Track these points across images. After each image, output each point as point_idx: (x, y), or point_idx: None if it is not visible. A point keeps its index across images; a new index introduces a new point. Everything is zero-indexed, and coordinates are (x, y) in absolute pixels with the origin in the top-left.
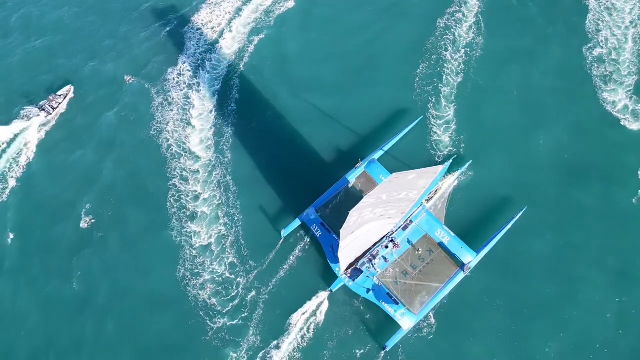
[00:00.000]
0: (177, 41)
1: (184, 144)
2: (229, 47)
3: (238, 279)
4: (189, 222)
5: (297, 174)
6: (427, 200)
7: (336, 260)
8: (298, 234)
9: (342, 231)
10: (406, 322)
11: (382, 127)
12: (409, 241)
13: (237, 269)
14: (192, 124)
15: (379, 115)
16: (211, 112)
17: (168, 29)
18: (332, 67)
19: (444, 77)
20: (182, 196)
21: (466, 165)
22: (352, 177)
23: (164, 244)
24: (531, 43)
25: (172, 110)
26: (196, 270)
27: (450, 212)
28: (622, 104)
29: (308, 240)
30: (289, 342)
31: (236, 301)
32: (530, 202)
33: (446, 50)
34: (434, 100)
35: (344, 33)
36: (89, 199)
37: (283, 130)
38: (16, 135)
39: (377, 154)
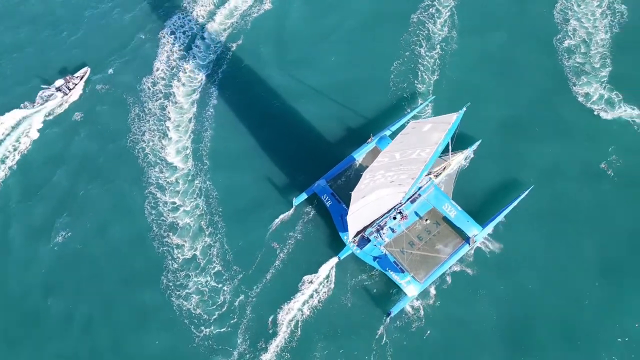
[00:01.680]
0: (150, 50)
1: (161, 155)
2: (203, 57)
3: (224, 287)
4: (172, 235)
5: (280, 176)
6: (436, 176)
7: (345, 229)
8: (283, 234)
9: (353, 193)
10: (411, 289)
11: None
12: (416, 214)
13: (224, 276)
14: (169, 135)
15: (361, 112)
16: (190, 121)
17: (142, 36)
18: (307, 71)
19: (419, 73)
20: (163, 210)
21: (475, 144)
22: (363, 152)
23: (146, 258)
24: (504, 36)
25: (148, 122)
26: (180, 282)
27: (458, 188)
28: (597, 95)
29: (292, 242)
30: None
31: (224, 308)
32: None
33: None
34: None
35: (318, 34)
36: (64, 214)
37: (262, 134)
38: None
39: (388, 132)
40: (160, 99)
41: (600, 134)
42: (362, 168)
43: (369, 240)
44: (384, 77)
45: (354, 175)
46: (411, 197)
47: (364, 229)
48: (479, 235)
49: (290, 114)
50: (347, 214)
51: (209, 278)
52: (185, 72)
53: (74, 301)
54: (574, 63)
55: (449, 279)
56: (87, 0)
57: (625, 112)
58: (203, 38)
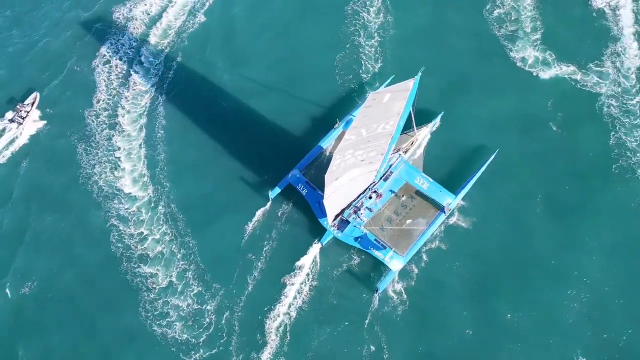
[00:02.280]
0: (88, 81)
1: (117, 187)
2: (144, 81)
3: (208, 307)
4: (143, 266)
5: (246, 179)
6: (405, 152)
7: (324, 215)
8: (259, 239)
9: (326, 176)
10: (395, 264)
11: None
12: (391, 191)
13: (205, 296)
14: (121, 165)
15: (313, 103)
16: (141, 146)
17: (76, 68)
18: (251, 71)
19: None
20: (130, 242)
21: (438, 117)
22: (332, 138)
23: (121, 292)
24: (437, 14)
25: (97, 155)
26: (159, 311)
27: (427, 161)
28: (533, 58)
29: (269, 245)
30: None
31: (210, 329)
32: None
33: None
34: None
35: (255, 35)
36: (20, 254)
37: (220, 141)
38: None
39: (353, 116)
40: (105, 129)
41: (541, 92)
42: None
43: (348, 222)
44: (328, 68)
45: (327, 162)
46: (384, 175)
47: (342, 211)
48: (453, 202)
49: (244, 115)
50: (323, 199)
51: (190, 301)
52: (128, 100)
53: (46, 346)
54: (506, 31)
55: (425, 256)
56: (11, 30)
57: (561, 70)
58: (141, 62)
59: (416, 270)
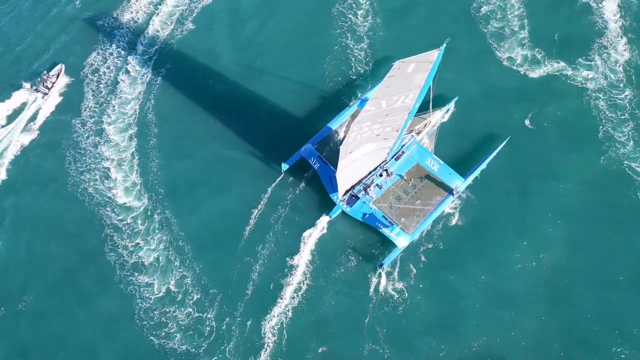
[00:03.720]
0: (76, 91)
1: (110, 198)
2: (131, 90)
3: (208, 315)
4: (140, 275)
5: (241, 181)
6: (418, 134)
7: (334, 190)
8: (256, 243)
9: (342, 148)
10: (401, 241)
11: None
12: (401, 170)
13: (205, 304)
14: (111, 176)
15: (305, 109)
16: (133, 156)
17: (65, 79)
18: (240, 79)
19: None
20: (123, 252)
21: (453, 101)
22: (347, 114)
23: (117, 306)
24: (424, 15)
25: (89, 166)
26: (156, 322)
27: (439, 144)
28: (521, 57)
29: (267, 248)
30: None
31: (211, 337)
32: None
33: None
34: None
35: (245, 41)
36: (17, 278)
37: (213, 148)
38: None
39: (368, 95)
40: (95, 139)
41: (531, 89)
42: (345, 132)
43: (357, 198)
44: (318, 72)
45: (338, 140)
46: (395, 154)
47: (352, 187)
48: (462, 185)
49: (236, 123)
50: (334, 175)
51: (190, 310)
52: (115, 109)
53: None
54: (492, 29)
55: (423, 257)
56: None
57: (552, 67)
58: (127, 72)
59: (414, 270)
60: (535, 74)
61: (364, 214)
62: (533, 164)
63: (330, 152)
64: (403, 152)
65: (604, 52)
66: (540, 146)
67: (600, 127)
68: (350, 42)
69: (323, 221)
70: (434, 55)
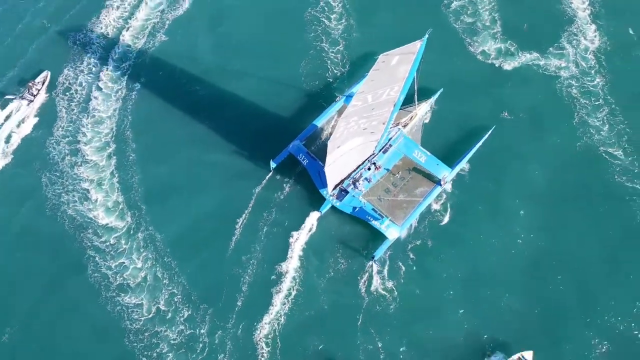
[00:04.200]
0: (49, 111)
1: (91, 218)
2: (105, 108)
3: (201, 330)
4: (127, 296)
5: (223, 192)
6: (404, 126)
7: (324, 185)
8: (242, 253)
9: (329, 143)
10: (391, 232)
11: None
12: (389, 163)
13: (196, 319)
14: (91, 197)
15: (283, 111)
16: (113, 174)
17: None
18: (215, 85)
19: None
20: (108, 273)
21: (437, 93)
22: (333, 110)
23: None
24: (396, 13)
25: (67, 188)
26: (147, 344)
27: (425, 136)
28: (494, 50)
29: (254, 257)
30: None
31: (204, 353)
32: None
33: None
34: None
35: (217, 47)
36: None
37: (193, 158)
38: None
39: (355, 88)
40: (71, 160)
41: (506, 82)
42: (333, 127)
43: (347, 192)
44: (296, 75)
45: (326, 136)
46: (383, 147)
47: (341, 181)
48: (449, 176)
49: (217, 128)
50: (323, 170)
51: (182, 327)
52: (89, 128)
53: None
54: (464, 25)
55: (411, 254)
56: None
57: (525, 57)
58: (100, 88)
59: (404, 268)
60: (509, 65)
61: (354, 208)
62: (511, 154)
63: (319, 148)
64: (390, 145)
65: (574, 40)
66: (518, 136)
67: (575, 113)
68: (325, 45)
69: (312, 219)
70: (416, 46)
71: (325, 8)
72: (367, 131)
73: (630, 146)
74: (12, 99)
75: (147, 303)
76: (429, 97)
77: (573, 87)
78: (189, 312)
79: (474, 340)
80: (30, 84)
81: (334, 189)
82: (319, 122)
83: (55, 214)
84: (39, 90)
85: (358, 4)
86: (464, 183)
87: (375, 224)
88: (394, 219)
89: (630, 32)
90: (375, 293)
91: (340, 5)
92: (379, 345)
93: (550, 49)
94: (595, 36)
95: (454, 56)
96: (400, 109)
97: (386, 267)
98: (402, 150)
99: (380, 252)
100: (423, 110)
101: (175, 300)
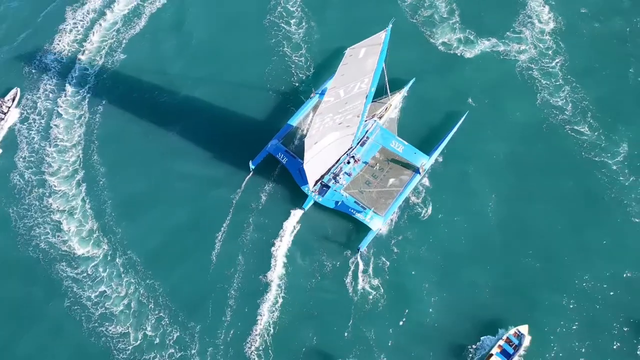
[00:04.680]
0: (9, 144)
1: (65, 251)
2: (68, 135)
3: (192, 351)
4: (111, 326)
5: (199, 206)
6: (380, 118)
7: (305, 182)
8: (225, 267)
9: (306, 140)
10: (375, 223)
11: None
12: (367, 155)
13: (186, 339)
14: (64, 228)
15: (252, 117)
16: (84, 201)
17: None
18: (179, 97)
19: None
20: (87, 304)
21: (410, 82)
22: (309, 107)
23: None
24: (355, 12)
25: (36, 220)
26: None
27: (401, 125)
28: (455, 40)
29: (238, 270)
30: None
31: None
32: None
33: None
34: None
35: (183, 58)
36: None
37: (165, 174)
38: None
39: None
40: (39, 192)
41: (468, 70)
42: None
43: (328, 187)
44: (260, 81)
45: (304, 132)
46: (360, 140)
47: (322, 177)
48: (427, 163)
49: (186, 143)
50: (303, 167)
51: (172, 350)
52: (54, 157)
53: None
54: (421, 18)
55: (395, 248)
56: None
57: (485, 44)
58: (60, 115)
59: (388, 263)
60: (471, 54)
61: (336, 202)
62: (479, 140)
63: (297, 146)
64: (368, 138)
65: (530, 23)
66: (484, 122)
67: (538, 94)
68: (287, 49)
69: (294, 220)
70: (381, 37)
71: (284, 13)
72: (342, 125)
73: (595, 121)
74: None
75: (133, 331)
76: (401, 88)
77: (534, 70)
78: (178, 334)
79: (467, 322)
80: (0, 102)
81: (315, 185)
82: (295, 120)
83: (27, 249)
84: (9, 107)
85: (316, 7)
86: (438, 173)
87: (358, 216)
88: (376, 210)
89: (583, 10)
90: (362, 290)
91: (299, 9)
92: (372, 344)
93: (508, 33)
94: (549, 18)
95: (415, 50)
96: (374, 100)
97: (371, 265)
98: (380, 142)
99: (365, 243)
100: (397, 101)
101: (163, 323)
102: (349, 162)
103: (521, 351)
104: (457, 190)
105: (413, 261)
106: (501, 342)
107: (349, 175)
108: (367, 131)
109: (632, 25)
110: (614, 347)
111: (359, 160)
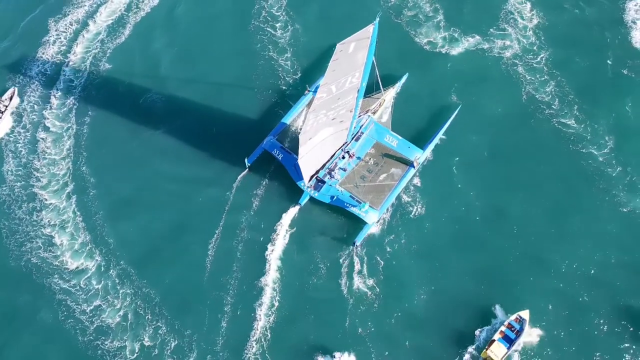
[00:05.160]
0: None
1: (57, 265)
2: (56, 147)
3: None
4: (107, 340)
5: (192, 214)
6: (374, 113)
7: (301, 178)
8: (220, 274)
9: (300, 136)
10: (371, 217)
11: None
12: (362, 150)
13: (185, 349)
14: (56, 242)
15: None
16: (75, 213)
17: None
18: (166, 107)
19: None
20: (82, 317)
21: (403, 78)
22: (303, 104)
23: None
24: (340, 13)
25: (28, 235)
26: None
27: (395, 120)
28: (440, 39)
29: (233, 276)
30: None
31: None
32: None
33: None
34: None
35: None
36: None
37: (156, 187)
38: None
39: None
40: (29, 206)
41: (453, 67)
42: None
43: (324, 182)
44: (245, 85)
45: (299, 130)
46: (355, 135)
47: (317, 172)
48: (421, 157)
49: (176, 146)
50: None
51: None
52: (43, 172)
53: None
54: (406, 18)
55: (388, 247)
56: None
57: (469, 42)
58: (47, 128)
59: (382, 263)
60: (456, 51)
61: (332, 197)
62: (466, 138)
63: (292, 142)
64: (362, 133)
65: (513, 20)
66: (471, 120)
67: (523, 89)
68: (273, 54)
69: (286, 221)
70: (369, 31)
71: (269, 18)
72: (336, 121)
73: (581, 114)
74: None
75: (129, 343)
76: (394, 83)
77: (518, 66)
78: (176, 342)
79: (463, 315)
80: None
81: (310, 180)
82: (290, 117)
83: (19, 264)
84: (6, 106)
85: (300, 7)
86: (428, 171)
87: (354, 210)
88: (372, 203)
89: (565, 5)
90: (357, 291)
91: (284, 13)
92: (369, 344)
93: (492, 30)
94: (532, 14)
95: (401, 49)
96: (368, 96)
97: (365, 265)
98: (374, 137)
99: (361, 237)
100: (390, 96)
101: (160, 333)
102: (343, 157)
103: (523, 336)
104: (447, 187)
105: (406, 259)
106: (503, 328)
107: (344, 170)
108: (362, 126)
109: (607, 14)
110: (603, 329)
111: (353, 156)
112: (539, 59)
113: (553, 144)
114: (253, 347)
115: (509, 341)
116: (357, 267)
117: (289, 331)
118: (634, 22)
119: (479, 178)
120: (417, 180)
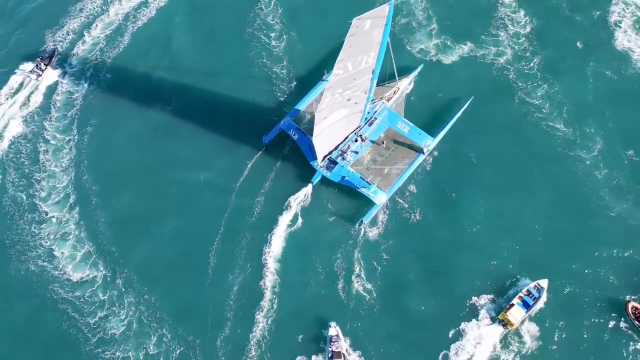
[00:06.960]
0: None
1: (64, 277)
2: (57, 158)
3: None
4: (109, 350)
5: (192, 224)
6: (388, 100)
7: (314, 158)
8: (220, 283)
9: (316, 114)
10: (379, 198)
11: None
12: (375, 134)
13: (190, 355)
14: (58, 254)
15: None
16: (78, 224)
17: None
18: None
19: None
20: (86, 329)
21: (418, 68)
22: (318, 90)
23: None
24: (334, 20)
25: (35, 249)
26: None
27: (408, 107)
28: (432, 47)
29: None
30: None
31: None
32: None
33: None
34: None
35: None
36: None
37: (158, 202)
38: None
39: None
40: (30, 218)
41: (447, 74)
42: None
43: (336, 163)
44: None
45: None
46: (368, 120)
47: (330, 153)
48: (431, 144)
49: (177, 153)
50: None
51: None
52: (43, 185)
53: None
54: (399, 25)
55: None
56: None
57: (462, 49)
58: (47, 140)
59: (379, 268)
60: (448, 59)
61: (343, 177)
62: (460, 145)
63: (307, 124)
64: (376, 118)
65: (505, 26)
66: (465, 127)
67: (515, 95)
68: (266, 61)
69: (284, 221)
70: (385, 10)
71: (263, 26)
72: (351, 102)
73: (569, 116)
74: (22, 73)
75: (133, 352)
76: (409, 73)
77: (511, 72)
78: (181, 349)
79: (461, 311)
80: (39, 60)
81: (322, 160)
82: (307, 102)
83: (19, 274)
84: (47, 65)
85: (295, 15)
86: (423, 177)
87: (363, 190)
88: (381, 186)
89: (554, 12)
90: (356, 294)
91: (278, 21)
92: (367, 345)
93: (484, 37)
94: (525, 21)
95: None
96: (382, 84)
97: (363, 269)
98: (387, 122)
99: (369, 216)
100: (405, 85)
101: (165, 340)
102: (356, 141)
103: (540, 303)
104: (441, 192)
105: (404, 262)
106: (522, 294)
107: (356, 153)
108: (376, 112)
109: (594, 18)
110: (595, 321)
111: (366, 139)
112: (532, 65)
113: (542, 147)
114: (251, 351)
115: (527, 306)
116: (356, 270)
117: (288, 334)
118: (617, 25)
119: (473, 182)
120: (413, 187)
